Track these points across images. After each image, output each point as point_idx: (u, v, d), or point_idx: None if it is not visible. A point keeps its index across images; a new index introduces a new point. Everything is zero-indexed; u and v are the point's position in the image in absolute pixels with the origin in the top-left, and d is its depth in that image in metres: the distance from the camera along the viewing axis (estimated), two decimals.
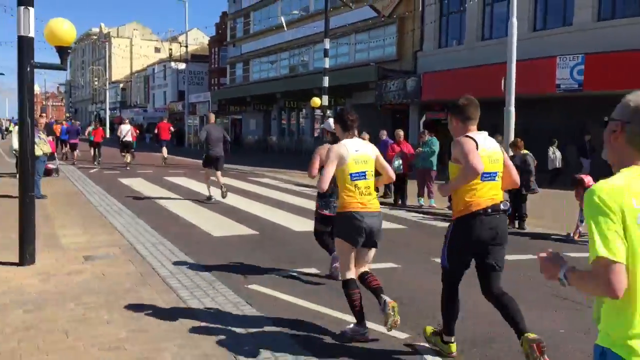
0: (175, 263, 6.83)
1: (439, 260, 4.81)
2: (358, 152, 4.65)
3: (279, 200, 13.52)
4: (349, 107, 8.58)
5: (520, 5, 14.81)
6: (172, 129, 27.45)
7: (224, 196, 12.29)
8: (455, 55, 23.03)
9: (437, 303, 5.46)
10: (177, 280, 6.05)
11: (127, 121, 24.05)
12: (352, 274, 4.67)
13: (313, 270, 6.77)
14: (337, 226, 4.80)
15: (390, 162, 13.23)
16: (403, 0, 26.57)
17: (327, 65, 19.88)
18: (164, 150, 23.55)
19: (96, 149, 23.58)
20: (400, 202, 13.11)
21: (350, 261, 4.67)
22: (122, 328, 4.61)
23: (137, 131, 23.95)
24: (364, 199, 4.61)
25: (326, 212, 6.20)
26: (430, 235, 9.16)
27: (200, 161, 13.59)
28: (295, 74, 36.35)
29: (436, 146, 12.72)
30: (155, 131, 26.71)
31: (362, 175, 4.63)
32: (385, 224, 10.27)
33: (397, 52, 27.43)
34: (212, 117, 13.81)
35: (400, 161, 12.84)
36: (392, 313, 4.37)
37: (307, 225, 9.91)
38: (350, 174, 4.58)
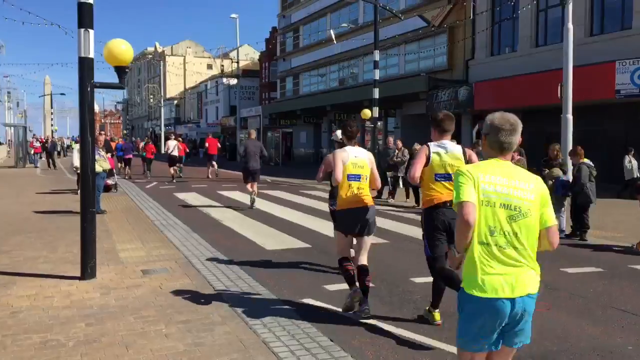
0: (230, 277, 6.90)
1: None
2: (357, 158, 5.65)
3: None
4: (352, 119, 9.73)
5: (576, 10, 14.44)
6: (219, 144, 28.25)
7: (252, 206, 13.82)
8: (508, 63, 22.59)
9: None
10: (231, 294, 6.11)
11: (173, 137, 25.01)
12: (345, 253, 5.76)
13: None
14: (335, 220, 6.01)
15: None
16: (453, 9, 26.30)
17: (377, 77, 19.83)
18: (214, 164, 24.51)
19: (147, 164, 24.91)
20: None
21: (344, 246, 5.78)
22: (179, 341, 4.67)
23: (185, 146, 24.96)
24: (356, 197, 5.56)
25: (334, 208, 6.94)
26: None
27: None
28: (344, 86, 36.43)
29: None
30: (206, 144, 27.69)
31: (357, 177, 5.60)
32: None
33: (447, 61, 27.14)
34: (253, 133, 14.66)
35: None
36: (354, 300, 5.44)
37: None
38: (348, 175, 5.56)
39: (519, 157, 11.38)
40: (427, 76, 26.38)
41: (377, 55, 19.75)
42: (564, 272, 7.41)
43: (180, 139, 27.55)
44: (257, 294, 6.17)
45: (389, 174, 16.07)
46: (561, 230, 10.12)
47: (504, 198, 2.85)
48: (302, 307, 5.79)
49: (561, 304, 5.99)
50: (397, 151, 15.82)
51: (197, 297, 5.97)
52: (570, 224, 10.37)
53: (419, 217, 12.44)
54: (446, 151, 5.12)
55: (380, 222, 11.75)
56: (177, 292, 6.15)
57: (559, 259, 7.81)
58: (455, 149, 5.17)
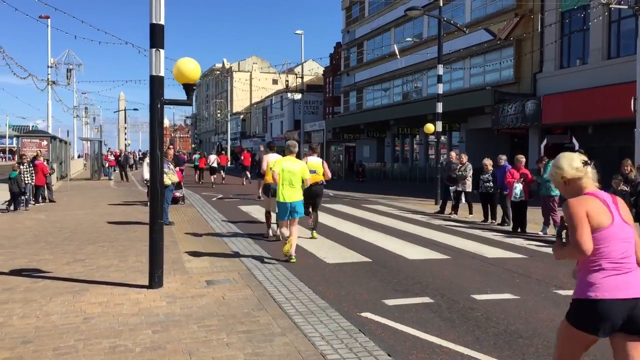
0: (290, 289, 7.01)
1: (561, 292, 4.51)
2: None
3: (392, 227, 13.46)
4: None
5: None
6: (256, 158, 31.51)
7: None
8: (578, 75, 21.91)
9: None
10: (291, 306, 6.21)
11: (214, 152, 31.27)
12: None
13: (426, 300, 6.66)
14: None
15: (509, 187, 12.79)
16: (520, 22, 25.80)
17: (440, 91, 19.65)
18: (248, 174, 28.69)
19: (200, 173, 30.63)
20: (519, 229, 12.58)
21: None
22: (239, 351, 4.79)
23: (226, 158, 33.82)
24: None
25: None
26: (551, 265, 8.68)
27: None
28: (408, 101, 36.28)
29: None
30: (242, 158, 32.60)
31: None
32: (504, 253, 9.94)
33: (514, 74, 26.60)
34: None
35: (521, 187, 12.36)
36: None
37: (421, 253, 9.79)
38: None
39: None
40: (492, 90, 25.93)
41: (440, 70, 19.60)
42: None
43: (222, 151, 33.86)
44: (316, 306, 6.24)
45: (451, 188, 15.86)
46: None
47: None
48: (360, 320, 5.82)
49: None
50: (460, 165, 15.60)
51: (258, 308, 6.10)
52: None
53: (481, 233, 12.27)
54: None
55: (442, 238, 11.62)
56: (239, 303, 6.31)
57: None
58: None
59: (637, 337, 3.03)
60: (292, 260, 8.63)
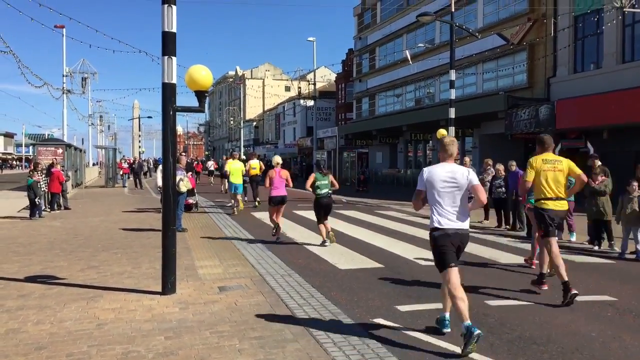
0: (303, 295, 7.00)
1: (576, 298, 4.43)
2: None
3: (404, 233, 13.41)
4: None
5: None
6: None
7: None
8: (593, 80, 21.73)
9: (575, 343, 5.13)
10: (303, 312, 6.20)
11: (212, 159, 32.93)
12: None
13: (439, 306, 6.58)
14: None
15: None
16: (533, 26, 25.67)
17: (453, 97, 19.58)
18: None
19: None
20: None
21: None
22: (252, 357, 4.79)
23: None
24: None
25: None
26: (569, 270, 8.57)
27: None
28: (421, 106, 36.20)
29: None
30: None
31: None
32: (518, 259, 9.86)
33: (527, 79, 26.43)
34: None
35: None
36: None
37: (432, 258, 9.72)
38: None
39: (603, 177, 10.91)
40: (505, 95, 25.78)
41: (453, 75, 19.54)
42: None
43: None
44: (328, 312, 6.23)
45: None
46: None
47: None
48: (373, 326, 5.79)
49: None
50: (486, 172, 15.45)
51: (270, 314, 6.10)
52: None
53: (495, 239, 12.18)
54: None
55: None
56: (251, 309, 6.31)
57: None
58: None
59: None
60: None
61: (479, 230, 14.08)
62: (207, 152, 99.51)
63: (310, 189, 11.34)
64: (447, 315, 5.63)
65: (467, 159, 17.31)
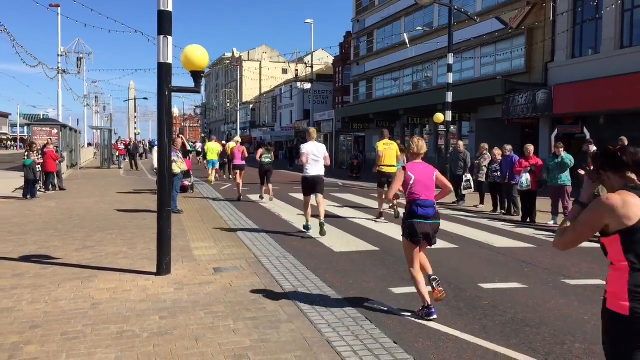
0: (298, 277, 7.02)
1: (569, 281, 4.43)
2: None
3: (400, 216, 13.41)
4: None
5: None
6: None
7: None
8: (591, 65, 21.66)
9: (568, 326, 5.16)
10: (298, 294, 6.21)
11: (198, 140, 33.18)
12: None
13: None
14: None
15: (516, 177, 12.71)
16: (532, 10, 25.52)
17: (450, 81, 19.51)
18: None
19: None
20: (528, 219, 12.52)
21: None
22: (246, 337, 4.81)
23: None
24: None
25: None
26: (559, 255, 8.62)
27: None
28: (418, 90, 36.08)
29: (570, 161, 11.96)
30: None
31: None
32: (512, 243, 9.91)
33: (525, 64, 26.33)
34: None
35: (528, 176, 12.27)
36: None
37: None
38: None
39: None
40: (503, 79, 25.70)
41: (451, 59, 19.44)
42: None
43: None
44: (323, 294, 6.25)
45: (464, 177, 15.57)
46: None
47: None
48: (367, 308, 5.82)
49: None
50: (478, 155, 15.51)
51: (265, 295, 6.12)
52: None
53: (490, 223, 12.22)
54: None
55: (451, 227, 11.59)
56: (246, 290, 6.33)
57: None
58: None
59: None
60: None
61: (474, 214, 14.11)
62: (203, 134, 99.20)
63: (259, 159, 16.17)
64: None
65: (460, 143, 17.35)
